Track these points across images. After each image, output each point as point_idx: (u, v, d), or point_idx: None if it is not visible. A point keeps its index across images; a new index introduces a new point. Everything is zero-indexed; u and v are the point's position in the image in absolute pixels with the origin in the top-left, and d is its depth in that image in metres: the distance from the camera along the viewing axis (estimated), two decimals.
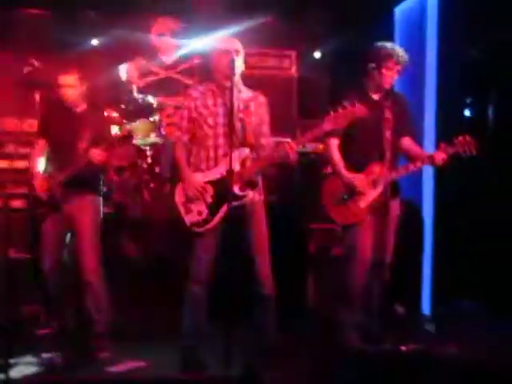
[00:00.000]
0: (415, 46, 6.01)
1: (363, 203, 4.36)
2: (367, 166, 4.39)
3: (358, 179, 4.35)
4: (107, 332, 4.48)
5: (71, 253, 4.55)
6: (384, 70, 4.36)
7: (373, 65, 4.39)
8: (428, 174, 5.66)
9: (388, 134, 4.35)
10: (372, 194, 4.36)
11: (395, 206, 4.46)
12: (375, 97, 4.46)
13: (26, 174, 4.68)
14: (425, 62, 5.89)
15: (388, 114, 4.34)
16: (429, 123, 5.83)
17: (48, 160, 4.56)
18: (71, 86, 4.45)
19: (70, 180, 4.38)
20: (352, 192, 4.36)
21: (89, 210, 4.48)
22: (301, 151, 4.29)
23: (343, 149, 4.44)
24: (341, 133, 4.25)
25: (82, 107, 4.56)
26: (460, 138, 4.34)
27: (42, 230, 4.49)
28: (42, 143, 4.60)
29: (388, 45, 4.43)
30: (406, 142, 4.51)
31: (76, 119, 4.48)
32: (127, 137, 4.35)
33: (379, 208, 4.36)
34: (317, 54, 6.90)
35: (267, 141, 4.20)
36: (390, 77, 4.38)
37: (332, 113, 3.88)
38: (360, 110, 3.92)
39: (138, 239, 5.34)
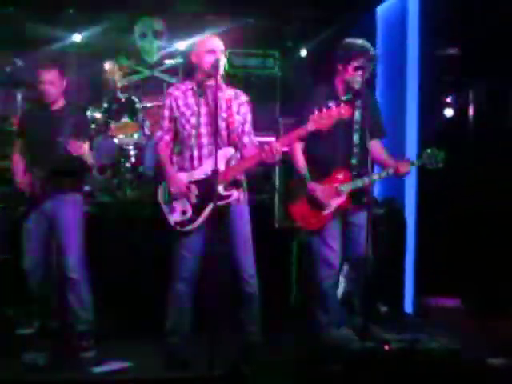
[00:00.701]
0: (397, 45, 6.00)
1: (325, 211, 4.29)
2: (332, 171, 4.30)
3: (319, 188, 4.27)
4: (91, 331, 4.43)
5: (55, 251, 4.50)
6: (353, 69, 4.20)
7: (341, 63, 4.26)
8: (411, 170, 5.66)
9: (356, 137, 4.28)
10: (335, 202, 4.28)
11: (362, 213, 4.27)
12: (344, 97, 4.28)
13: (8, 173, 4.64)
14: (406, 61, 5.85)
15: (357, 116, 4.25)
16: (410, 123, 5.80)
17: (28, 160, 4.49)
18: (52, 83, 4.39)
19: (51, 176, 4.33)
20: (314, 199, 4.29)
21: (71, 208, 4.43)
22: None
23: (308, 152, 4.35)
24: (306, 135, 3.99)
25: (60, 104, 4.49)
26: (428, 150, 4.26)
27: (24, 229, 4.43)
28: (21, 142, 4.56)
29: (358, 41, 4.26)
30: (375, 145, 4.36)
31: (54, 117, 4.42)
32: (104, 126, 4.28)
33: (344, 213, 4.33)
34: (299, 54, 6.91)
35: (251, 139, 4.18)
36: (360, 76, 4.17)
37: (317, 113, 3.82)
38: (346, 110, 3.84)
39: (120, 239, 5.26)
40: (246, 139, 4.17)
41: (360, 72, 4.18)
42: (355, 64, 4.20)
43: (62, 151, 4.21)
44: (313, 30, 6.72)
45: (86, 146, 4.20)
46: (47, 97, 4.43)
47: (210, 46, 4.08)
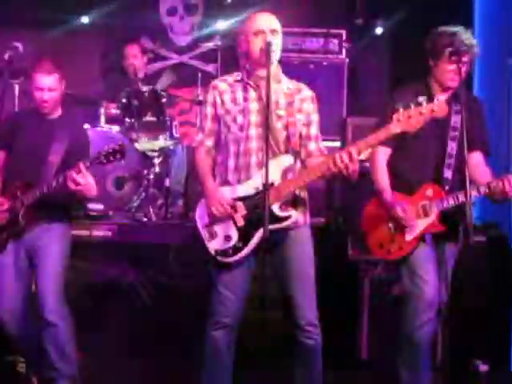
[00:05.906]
0: (499, 37, 5.97)
1: (409, 236, 4.28)
2: (419, 187, 4.31)
3: (402, 206, 4.26)
4: None
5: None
6: (445, 64, 4.25)
7: (432, 58, 4.31)
8: None
9: (453, 146, 4.29)
10: (421, 224, 4.28)
11: (455, 238, 4.35)
12: (441, 98, 4.21)
13: None
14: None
15: (455, 121, 4.26)
16: None
17: (9, 175, 4.55)
18: (52, 90, 4.47)
19: (37, 203, 4.40)
20: (396, 220, 4.29)
21: (56, 241, 4.51)
22: None
23: (392, 162, 4.38)
24: (388, 140, 3.96)
25: (57, 113, 4.60)
26: None
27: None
28: (2, 155, 4.61)
29: (449, 30, 4.29)
30: (475, 158, 4.37)
31: (49, 128, 4.52)
32: (118, 152, 4.22)
33: (435, 238, 4.32)
34: (374, 33, 6.89)
35: (318, 146, 4.11)
36: (455, 72, 4.22)
37: (402, 110, 3.75)
38: (440, 108, 3.76)
39: (142, 271, 5.33)
40: (312, 146, 4.10)
41: (455, 67, 4.21)
42: (448, 57, 4.23)
43: (58, 183, 4.27)
44: (391, 5, 6.68)
45: (89, 178, 4.23)
46: (45, 106, 4.50)
47: (258, 25, 4.02)
